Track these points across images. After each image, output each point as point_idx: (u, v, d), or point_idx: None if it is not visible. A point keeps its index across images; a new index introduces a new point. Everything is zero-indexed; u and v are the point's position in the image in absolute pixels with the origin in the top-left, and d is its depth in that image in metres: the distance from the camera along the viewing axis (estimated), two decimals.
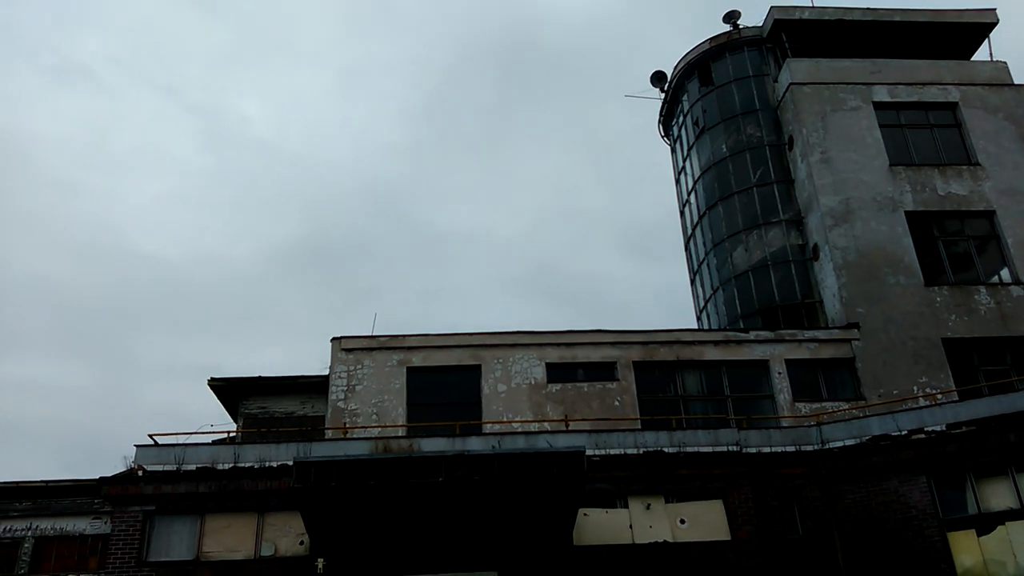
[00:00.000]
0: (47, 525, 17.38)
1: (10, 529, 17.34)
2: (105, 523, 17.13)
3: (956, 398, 20.52)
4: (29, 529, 17.34)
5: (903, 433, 18.04)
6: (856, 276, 23.95)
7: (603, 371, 22.65)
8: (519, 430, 20.31)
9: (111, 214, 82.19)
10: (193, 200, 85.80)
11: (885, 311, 23.34)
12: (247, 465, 17.33)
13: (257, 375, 23.04)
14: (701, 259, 29.78)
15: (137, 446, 17.46)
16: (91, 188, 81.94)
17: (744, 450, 18.34)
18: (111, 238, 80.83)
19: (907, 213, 24.91)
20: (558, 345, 22.80)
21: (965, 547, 16.70)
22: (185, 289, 78.53)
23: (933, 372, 22.51)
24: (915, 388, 22.11)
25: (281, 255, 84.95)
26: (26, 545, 17.18)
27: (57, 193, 78.52)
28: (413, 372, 22.30)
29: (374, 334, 22.71)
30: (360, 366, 22.17)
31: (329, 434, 20.62)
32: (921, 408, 18.86)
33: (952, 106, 27.12)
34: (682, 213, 32.27)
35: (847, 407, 21.55)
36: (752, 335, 23.30)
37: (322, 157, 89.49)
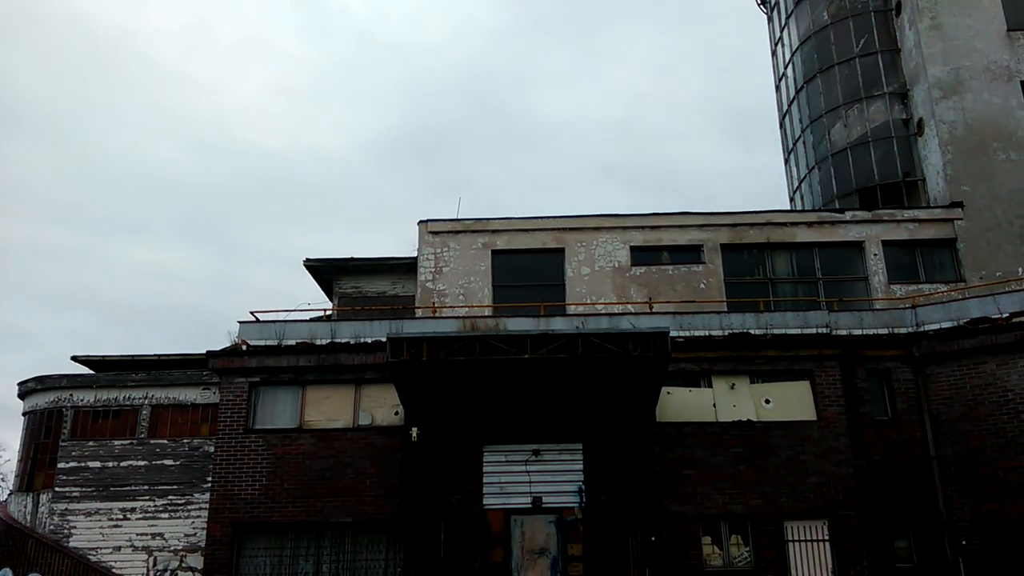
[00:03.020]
0: (161, 394, 18.73)
1: (129, 397, 18.77)
2: (214, 393, 18.32)
3: None
4: (146, 398, 18.73)
5: (1004, 316, 17.42)
6: (963, 152, 22.62)
7: (689, 254, 22.35)
8: (602, 311, 20.45)
9: (220, 107, 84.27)
10: (296, 91, 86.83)
11: (992, 189, 22.10)
12: (343, 340, 18.11)
13: (349, 256, 23.68)
14: (796, 137, 28.54)
15: (240, 322, 18.43)
16: (201, 82, 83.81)
17: (834, 332, 18.07)
18: (220, 131, 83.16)
19: (1023, 83, 23.12)
20: (642, 228, 22.51)
21: None
22: (289, 179, 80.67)
23: None
24: (1020, 269, 21.12)
25: (380, 145, 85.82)
26: (144, 412, 18.61)
27: (171, 87, 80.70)
28: (498, 255, 22.51)
29: (459, 217, 22.91)
30: (447, 248, 22.50)
31: (419, 313, 21.24)
32: None
33: None
34: (777, 88, 30.78)
35: (945, 289, 20.82)
36: (848, 215, 22.47)
37: (420, 45, 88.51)
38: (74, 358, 20.60)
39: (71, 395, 18.88)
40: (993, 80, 23.21)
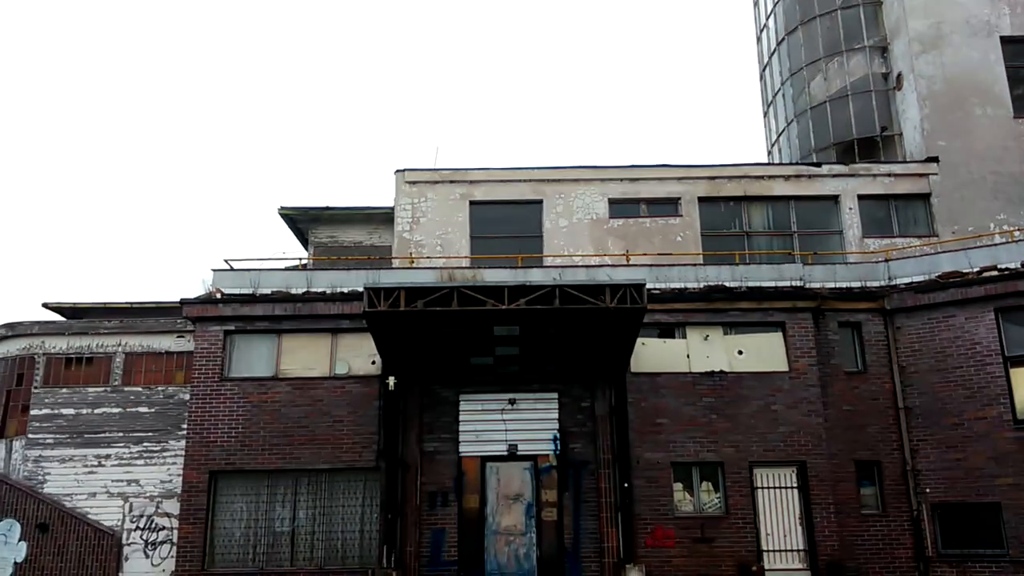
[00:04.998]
0: (135, 342, 18.55)
1: (102, 345, 18.58)
2: (188, 341, 18.18)
3: None
4: (119, 345, 18.54)
5: (975, 270, 17.66)
6: (940, 107, 22.70)
7: (666, 206, 22.40)
8: (580, 263, 20.49)
9: (196, 47, 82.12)
10: (277, 34, 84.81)
11: (968, 144, 22.26)
12: (319, 290, 18.03)
13: (325, 205, 23.46)
14: (776, 89, 28.44)
15: (215, 270, 18.26)
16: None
17: (808, 285, 18.26)
18: (196, 71, 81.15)
19: (1002, 38, 23.15)
20: (621, 180, 22.50)
21: None
22: (267, 125, 79.33)
23: (1013, 208, 21.66)
24: (992, 225, 21.41)
25: (360, 91, 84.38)
26: (117, 359, 18.46)
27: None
28: (476, 205, 22.42)
29: (437, 167, 22.72)
30: (424, 199, 22.36)
31: (396, 263, 21.16)
32: (996, 245, 18.33)
33: None
34: (759, 39, 30.53)
35: (918, 243, 21.06)
36: (825, 169, 22.56)
37: None
38: (45, 305, 20.36)
39: (43, 342, 18.67)
40: (973, 35, 23.21)
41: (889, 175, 22.30)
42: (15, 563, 17.09)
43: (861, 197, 22.09)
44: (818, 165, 22.94)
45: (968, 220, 21.57)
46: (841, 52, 25.52)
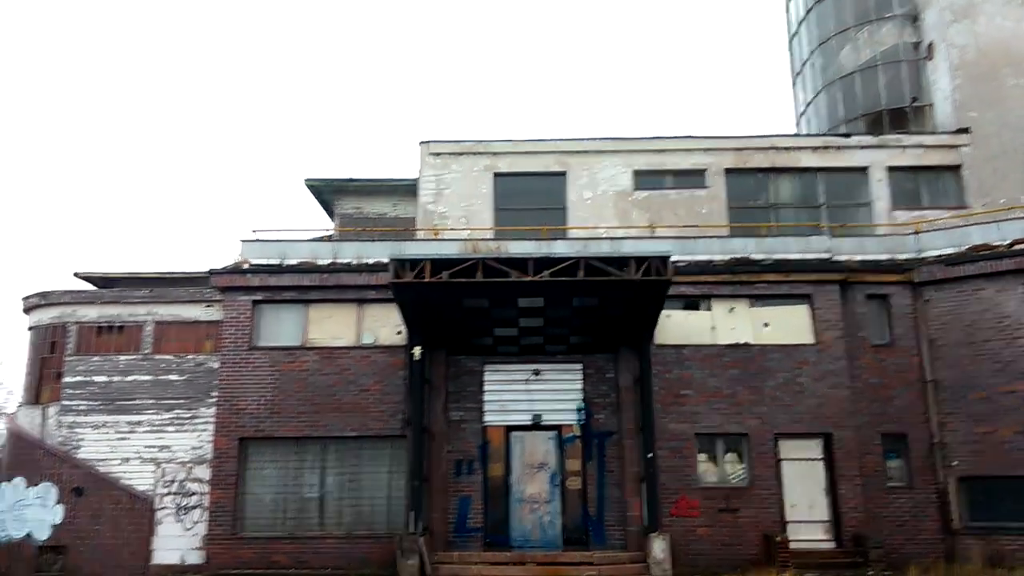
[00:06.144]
0: (164, 311, 18.78)
1: (133, 314, 18.83)
2: (217, 311, 18.39)
3: None
4: (149, 315, 18.79)
5: (1006, 242, 17.45)
6: (973, 77, 22.28)
7: (692, 178, 22.23)
8: (604, 235, 20.43)
9: (218, 24, 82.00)
10: (295, 11, 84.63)
11: (1000, 115, 21.85)
12: (345, 261, 18.17)
13: (350, 177, 23.51)
14: (805, 59, 27.98)
15: (243, 241, 18.44)
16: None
17: (835, 257, 18.13)
18: (216, 47, 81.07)
19: None
20: (646, 152, 22.34)
21: None
22: (291, 96, 79.29)
23: None
24: (1023, 197, 21.05)
25: (380, 61, 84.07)
26: (148, 328, 18.72)
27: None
28: (500, 177, 22.39)
29: (461, 139, 22.68)
30: (448, 170, 22.35)
31: (420, 234, 21.22)
32: None
33: None
34: (787, 7, 30.01)
35: (948, 215, 20.79)
36: (854, 140, 22.27)
37: None
38: (76, 274, 20.63)
39: (74, 311, 18.96)
40: (1007, 3, 22.72)
41: (919, 146, 21.99)
42: (52, 526, 17.51)
43: (890, 169, 21.81)
44: (847, 136, 22.65)
45: (1000, 192, 21.24)
46: (871, 21, 25.05)
